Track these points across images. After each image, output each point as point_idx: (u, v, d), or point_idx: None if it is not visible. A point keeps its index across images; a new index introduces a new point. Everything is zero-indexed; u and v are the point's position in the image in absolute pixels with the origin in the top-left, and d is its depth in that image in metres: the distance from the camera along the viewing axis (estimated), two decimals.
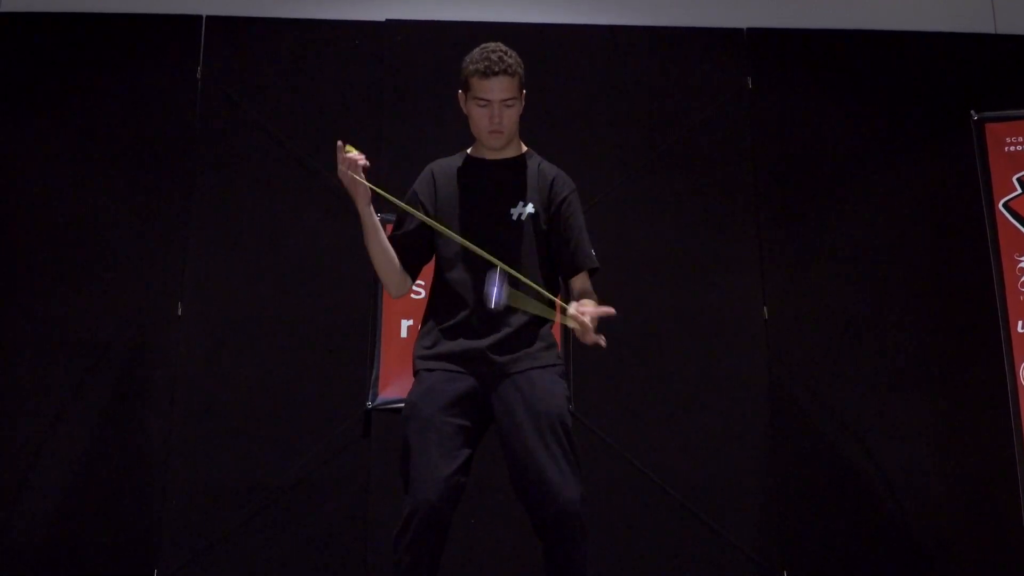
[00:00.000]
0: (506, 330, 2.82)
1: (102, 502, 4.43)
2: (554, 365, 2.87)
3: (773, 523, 4.50)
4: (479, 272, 2.80)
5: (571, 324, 2.69)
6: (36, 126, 4.77)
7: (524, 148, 3.06)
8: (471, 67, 2.90)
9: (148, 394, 4.55)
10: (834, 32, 5.07)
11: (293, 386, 4.56)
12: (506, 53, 2.92)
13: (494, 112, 2.91)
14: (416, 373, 2.88)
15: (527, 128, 4.76)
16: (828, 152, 4.92)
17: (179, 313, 4.61)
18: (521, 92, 2.98)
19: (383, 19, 4.91)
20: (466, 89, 2.94)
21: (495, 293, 2.68)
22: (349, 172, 2.78)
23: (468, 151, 3.06)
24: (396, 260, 2.91)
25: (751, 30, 5.02)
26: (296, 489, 4.45)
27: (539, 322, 2.88)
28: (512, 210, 2.92)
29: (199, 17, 4.91)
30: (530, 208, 2.93)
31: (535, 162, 3.03)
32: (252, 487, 4.44)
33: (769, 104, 4.94)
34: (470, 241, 2.78)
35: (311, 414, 4.53)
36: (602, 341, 2.68)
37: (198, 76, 4.84)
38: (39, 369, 4.52)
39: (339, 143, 2.77)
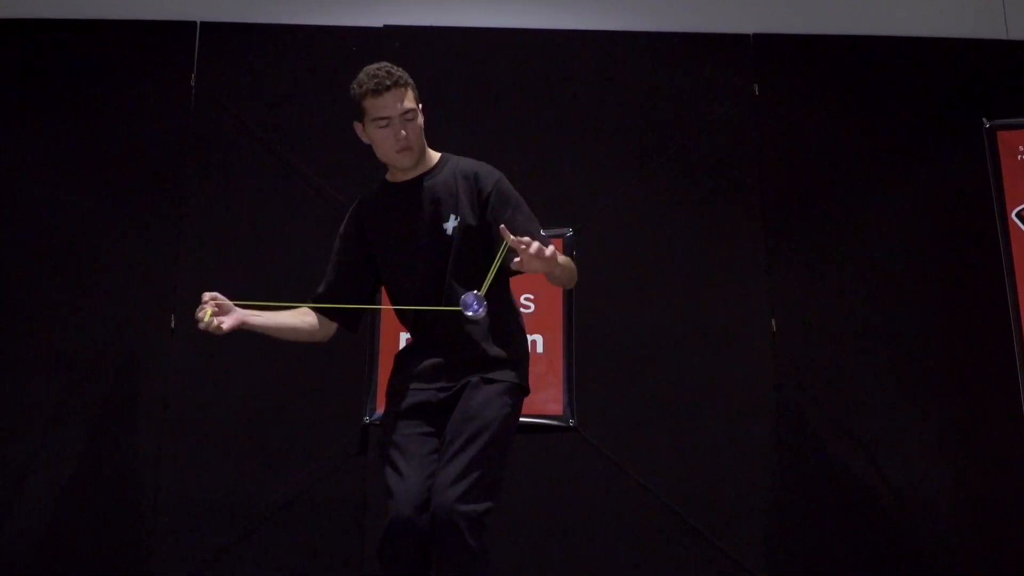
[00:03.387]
0: (460, 346, 2.82)
1: (93, 516, 4.36)
2: (501, 381, 2.81)
3: (779, 539, 4.43)
4: (428, 283, 2.83)
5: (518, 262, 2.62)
6: (27, 134, 4.71)
7: (436, 158, 2.97)
8: (360, 89, 2.82)
9: (140, 407, 4.48)
10: (842, 38, 5.01)
11: (288, 400, 4.50)
12: (392, 67, 2.84)
13: (397, 129, 2.82)
14: (389, 393, 2.92)
15: (534, 135, 4.79)
16: (837, 159, 4.85)
17: (172, 325, 4.53)
18: (418, 104, 2.88)
19: (380, 24, 4.86)
20: (361, 115, 2.85)
21: (474, 309, 2.70)
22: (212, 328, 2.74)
23: (386, 177, 3.00)
24: (294, 325, 2.99)
25: (758, 35, 4.96)
26: (291, 505, 4.39)
27: (495, 331, 2.85)
28: (444, 224, 2.86)
29: (193, 23, 4.86)
30: (456, 220, 2.86)
31: (452, 166, 2.95)
32: (246, 503, 4.38)
33: (776, 110, 4.88)
34: (407, 267, 2.83)
35: (307, 429, 4.47)
36: (545, 252, 2.59)
37: (192, 83, 4.78)
38: (30, 381, 4.47)
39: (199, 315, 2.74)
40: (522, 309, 4.56)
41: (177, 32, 4.84)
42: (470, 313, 2.69)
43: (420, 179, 2.92)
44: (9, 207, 4.64)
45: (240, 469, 4.41)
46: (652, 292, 4.66)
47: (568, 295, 4.60)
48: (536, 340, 4.57)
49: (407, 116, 2.82)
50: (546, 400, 4.51)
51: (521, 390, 2.88)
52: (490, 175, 2.92)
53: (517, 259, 2.59)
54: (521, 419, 4.31)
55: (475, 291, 2.70)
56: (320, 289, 3.03)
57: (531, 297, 4.58)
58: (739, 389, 4.57)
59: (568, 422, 4.49)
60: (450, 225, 2.85)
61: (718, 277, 4.70)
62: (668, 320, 4.64)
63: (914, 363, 4.62)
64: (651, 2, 5.09)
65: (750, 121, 4.85)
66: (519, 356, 2.90)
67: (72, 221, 4.64)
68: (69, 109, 4.76)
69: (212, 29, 4.86)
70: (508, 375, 2.83)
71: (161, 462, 4.41)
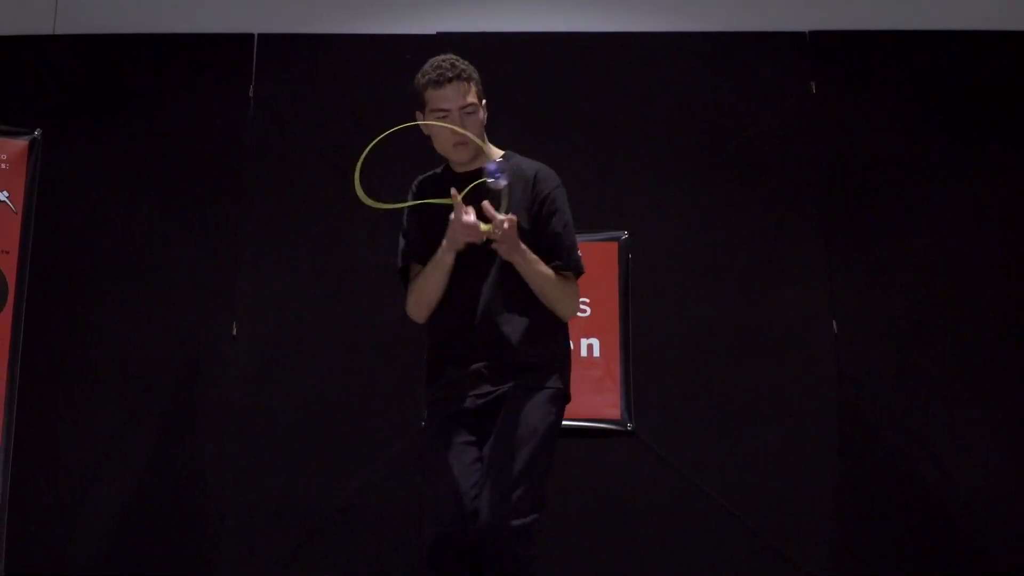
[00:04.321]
0: (499, 351, 2.74)
1: (159, 522, 4.46)
2: (544, 388, 2.75)
3: (842, 544, 4.36)
4: (466, 287, 2.76)
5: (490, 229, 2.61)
6: (90, 147, 4.83)
7: (500, 153, 2.92)
8: (423, 80, 2.80)
9: (203, 415, 4.57)
10: (902, 33, 4.91)
11: (348, 406, 4.54)
12: (458, 60, 2.80)
13: (455, 122, 2.77)
14: (427, 407, 2.86)
15: (589, 138, 4.78)
16: (897, 159, 4.76)
17: (234, 333, 4.61)
18: (481, 100, 2.84)
19: (434, 32, 4.88)
20: (422, 106, 2.83)
21: (496, 175, 2.62)
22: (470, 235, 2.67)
23: (448, 164, 2.96)
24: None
25: (814, 33, 4.89)
26: (352, 510, 4.43)
27: (536, 336, 2.78)
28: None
29: (251, 36, 4.93)
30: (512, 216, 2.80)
31: (514, 162, 2.88)
32: (308, 508, 4.43)
33: (834, 109, 4.80)
34: (461, 262, 2.74)
35: (367, 434, 4.51)
36: (505, 225, 2.59)
37: (250, 94, 4.85)
38: (95, 391, 4.57)
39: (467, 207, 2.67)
40: (578, 313, 4.58)
41: (235, 45, 4.92)
42: (491, 180, 2.60)
43: (478, 172, 2.86)
44: (74, 219, 4.75)
45: (301, 474, 4.47)
46: (710, 294, 4.62)
47: (625, 298, 4.58)
48: (593, 344, 4.56)
49: (467, 110, 2.78)
50: (603, 404, 4.49)
51: (564, 397, 2.82)
52: (549, 179, 2.86)
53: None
54: (578, 423, 4.39)
55: (498, 159, 2.66)
56: (408, 251, 2.94)
57: (587, 301, 4.57)
58: (800, 392, 4.51)
59: (626, 426, 4.47)
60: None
61: (778, 279, 4.64)
62: (727, 322, 4.59)
63: (978, 363, 4.52)
64: (704, 2, 5.05)
65: (807, 120, 4.78)
66: (560, 359, 2.83)
67: (135, 232, 4.74)
68: (131, 122, 4.87)
69: (269, 41, 4.93)
70: (551, 380, 2.76)
71: (224, 468, 4.49)
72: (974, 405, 4.48)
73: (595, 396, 4.50)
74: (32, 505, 4.38)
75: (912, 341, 4.56)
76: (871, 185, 4.75)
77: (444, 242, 2.70)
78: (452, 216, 2.65)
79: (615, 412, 4.49)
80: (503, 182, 2.61)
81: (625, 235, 4.64)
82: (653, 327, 4.58)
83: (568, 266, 2.79)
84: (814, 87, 4.82)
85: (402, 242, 2.94)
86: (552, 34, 4.93)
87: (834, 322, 4.58)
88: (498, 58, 4.86)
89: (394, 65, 4.86)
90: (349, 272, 4.68)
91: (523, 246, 2.67)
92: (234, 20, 5.00)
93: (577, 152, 4.73)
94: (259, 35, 4.94)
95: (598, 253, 4.57)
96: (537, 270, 2.73)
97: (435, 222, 2.81)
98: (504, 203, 2.64)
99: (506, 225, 2.59)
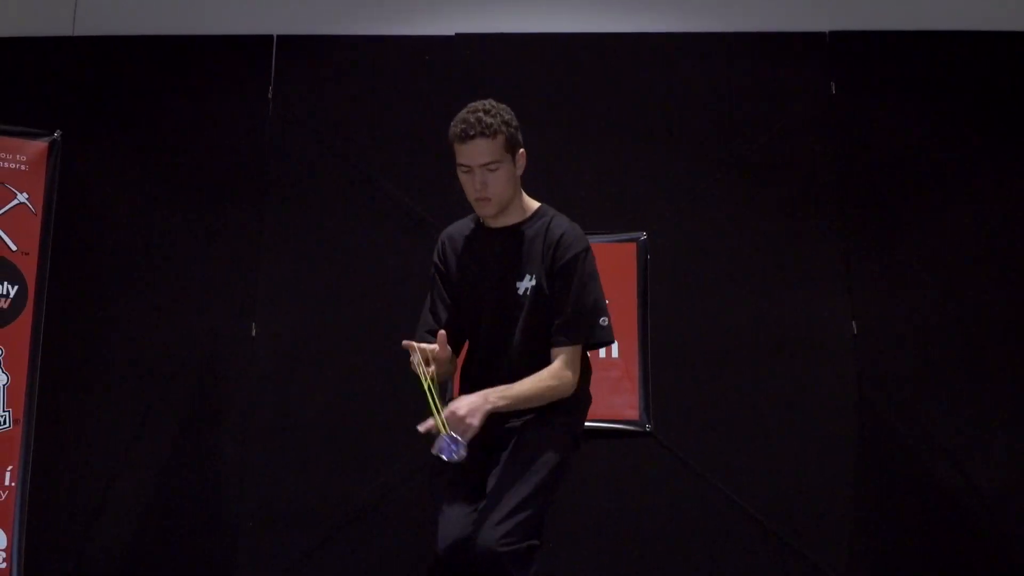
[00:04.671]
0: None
1: (178, 523, 4.47)
2: (561, 423, 2.75)
3: (863, 548, 4.34)
4: (496, 329, 2.77)
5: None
6: (109, 148, 4.84)
7: (532, 209, 2.85)
8: (451, 131, 2.73)
9: (223, 415, 4.58)
10: (922, 33, 4.88)
11: (367, 407, 4.55)
12: (486, 112, 2.70)
13: (475, 179, 2.72)
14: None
15: (608, 138, 4.77)
16: (918, 159, 4.73)
17: (253, 334, 4.62)
18: (510, 152, 2.74)
19: (452, 33, 4.87)
20: (453, 155, 2.78)
21: (448, 453, 2.56)
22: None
23: (478, 215, 2.90)
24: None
25: (834, 33, 4.87)
26: (372, 511, 4.44)
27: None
28: (519, 284, 2.76)
29: (270, 37, 4.94)
30: (532, 281, 2.76)
31: (543, 224, 2.82)
32: (326, 510, 4.44)
33: (855, 109, 4.78)
34: (480, 316, 2.76)
35: (385, 435, 4.50)
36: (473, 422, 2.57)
37: (269, 96, 4.86)
38: (114, 391, 4.59)
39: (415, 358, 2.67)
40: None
41: (254, 46, 4.93)
42: (444, 457, 2.55)
43: (505, 230, 2.84)
44: (93, 220, 4.76)
45: (319, 476, 4.47)
46: (729, 295, 4.61)
47: (643, 300, 4.56)
48: (612, 345, 4.54)
49: (489, 167, 2.70)
50: (622, 405, 4.48)
51: (576, 439, 2.80)
52: (573, 244, 2.76)
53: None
54: (597, 424, 4.37)
55: (451, 433, 2.55)
56: (434, 319, 2.89)
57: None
58: (820, 393, 4.49)
59: (644, 427, 4.46)
60: (524, 285, 2.76)
61: (797, 280, 4.62)
62: (745, 323, 4.58)
63: (997, 364, 4.50)
64: (724, 3, 5.03)
65: (827, 121, 4.76)
66: (579, 403, 2.82)
67: (154, 233, 4.76)
68: (151, 123, 4.88)
69: (288, 42, 4.94)
70: (566, 419, 2.77)
71: (243, 468, 4.50)
72: (993, 406, 4.46)
73: (613, 397, 4.49)
74: (51, 505, 4.40)
75: (932, 342, 4.53)
76: (891, 186, 4.72)
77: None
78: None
79: (633, 413, 4.48)
80: (456, 457, 2.55)
81: (644, 236, 4.62)
82: (671, 328, 4.56)
83: (576, 343, 2.75)
84: (834, 87, 4.80)
85: (434, 315, 2.89)
86: (570, 35, 4.92)
87: (854, 323, 4.55)
88: (517, 59, 4.86)
89: (413, 66, 4.89)
90: (367, 273, 4.68)
91: (490, 400, 2.60)
92: (253, 22, 5.01)
93: (596, 153, 4.72)
94: (278, 36, 4.94)
95: (616, 254, 4.56)
96: (518, 399, 2.67)
97: (460, 285, 2.85)
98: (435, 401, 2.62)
99: (459, 414, 2.55)
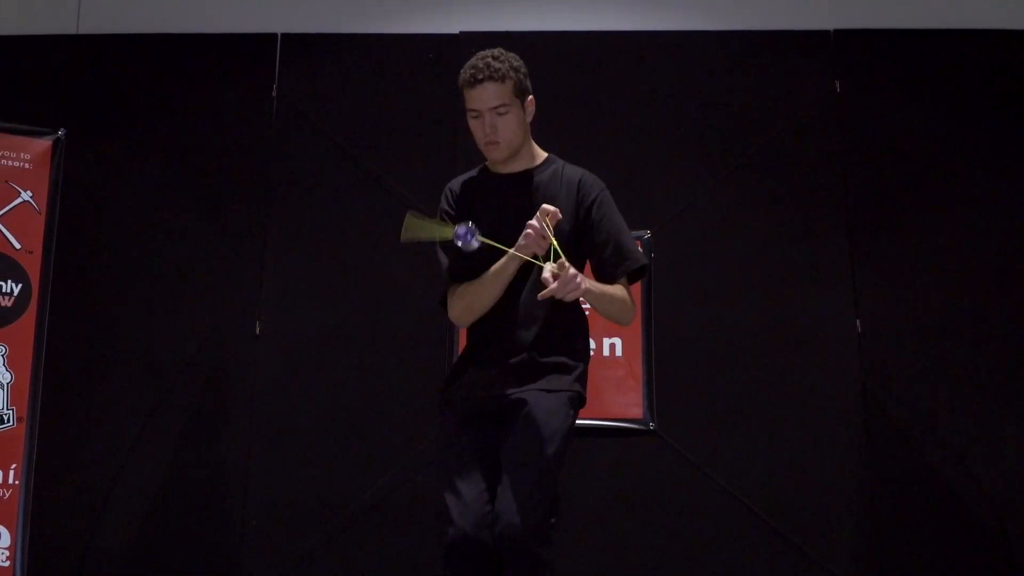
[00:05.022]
0: (524, 357, 2.73)
1: (183, 520, 4.47)
2: (564, 391, 2.74)
3: (868, 546, 4.34)
4: (507, 292, 2.74)
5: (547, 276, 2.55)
6: (113, 147, 4.84)
7: (541, 156, 2.89)
8: (460, 78, 2.77)
9: (227, 414, 4.58)
10: (927, 32, 4.88)
11: (372, 404, 4.55)
12: (495, 58, 2.74)
13: (486, 122, 2.75)
14: (440, 406, 2.84)
15: (612, 137, 4.76)
16: (923, 157, 4.73)
17: (257, 332, 4.61)
18: (519, 97, 2.78)
19: (456, 31, 4.87)
20: (463, 103, 2.81)
21: (466, 239, 2.58)
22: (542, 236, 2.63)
23: (487, 164, 2.93)
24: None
25: (839, 31, 4.87)
26: (376, 509, 4.43)
27: (566, 336, 2.78)
28: None
29: (274, 35, 4.94)
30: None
31: (555, 169, 2.86)
32: (333, 506, 4.43)
33: (859, 108, 4.78)
34: (495, 260, 2.70)
35: (390, 432, 4.51)
36: (570, 291, 2.52)
37: (274, 94, 4.86)
38: (119, 390, 4.58)
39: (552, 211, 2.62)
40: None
41: (259, 44, 4.93)
42: (459, 243, 2.57)
43: (521, 175, 2.86)
44: (97, 219, 4.76)
45: (325, 473, 4.47)
46: (733, 293, 4.61)
47: (647, 297, 4.56)
48: (615, 343, 4.55)
49: (498, 111, 2.74)
50: (626, 403, 4.48)
51: (581, 400, 2.80)
52: (595, 184, 2.85)
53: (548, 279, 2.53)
54: (601, 422, 4.38)
55: (469, 222, 2.59)
56: (453, 269, 2.84)
57: None
58: (824, 391, 4.49)
59: (648, 425, 4.46)
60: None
61: (801, 278, 4.62)
62: (750, 321, 4.57)
63: (1003, 360, 4.49)
64: (728, 1, 5.03)
65: (832, 119, 4.76)
66: (579, 360, 2.82)
67: (158, 231, 4.75)
68: (155, 122, 4.88)
69: (292, 40, 4.94)
70: (569, 384, 2.76)
71: (248, 466, 4.49)
72: (999, 403, 4.45)
73: (617, 395, 4.49)
74: (55, 504, 4.39)
75: (936, 339, 4.53)
76: (895, 183, 4.72)
77: (514, 250, 2.64)
78: (531, 224, 2.59)
79: (637, 411, 4.48)
80: (474, 244, 2.58)
81: (648, 234, 4.62)
82: (676, 326, 4.56)
83: (638, 265, 2.79)
84: (839, 86, 4.80)
85: (445, 260, 2.85)
86: (574, 33, 4.92)
87: (858, 320, 4.55)
88: (521, 57, 4.84)
89: (417, 64, 4.88)
90: (372, 271, 4.68)
91: (586, 283, 2.60)
92: (257, 20, 5.01)
93: (600, 151, 4.71)
94: (282, 35, 4.94)
95: None
96: (602, 296, 2.70)
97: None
98: (555, 248, 2.59)
99: (571, 274, 2.52)
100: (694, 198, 4.70)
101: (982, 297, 4.57)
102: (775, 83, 4.82)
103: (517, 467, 2.59)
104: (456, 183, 2.95)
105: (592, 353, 4.39)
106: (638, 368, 4.52)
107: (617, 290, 2.75)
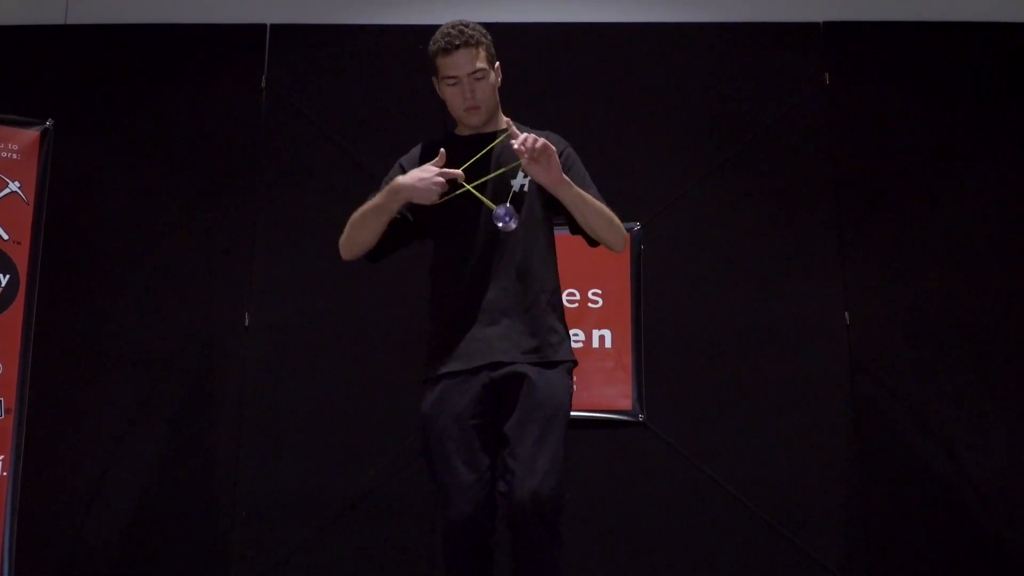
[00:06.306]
0: (507, 321, 2.75)
1: (172, 514, 4.46)
2: (562, 362, 2.79)
3: (857, 538, 4.35)
4: (476, 251, 2.79)
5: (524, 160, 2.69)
6: (102, 137, 4.83)
7: (504, 120, 2.96)
8: (433, 47, 2.86)
9: (216, 405, 4.57)
10: (917, 24, 4.89)
11: (362, 395, 4.54)
12: (467, 26, 2.87)
13: (465, 88, 2.84)
14: (424, 381, 2.83)
15: (602, 129, 4.76)
16: (912, 150, 4.74)
17: (246, 323, 4.61)
18: (492, 63, 2.92)
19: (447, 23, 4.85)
20: (436, 72, 2.89)
21: (505, 220, 2.69)
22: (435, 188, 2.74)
23: (453, 130, 3.03)
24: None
25: (828, 23, 4.87)
26: (366, 501, 4.43)
27: (544, 308, 2.80)
28: (512, 181, 2.86)
29: (263, 25, 4.92)
30: (527, 178, 2.86)
31: (522, 128, 2.93)
32: (322, 498, 4.43)
33: (848, 100, 4.78)
34: (479, 218, 2.78)
35: (380, 424, 4.50)
36: (537, 144, 2.66)
37: (263, 84, 4.84)
38: (107, 382, 4.57)
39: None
40: (590, 304, 4.58)
41: (247, 35, 4.91)
42: (500, 225, 2.69)
43: (489, 134, 2.93)
44: (85, 209, 4.75)
45: (314, 465, 4.46)
46: (723, 285, 4.61)
47: (636, 289, 4.56)
48: (605, 335, 4.55)
49: (476, 76, 2.84)
50: (615, 395, 4.49)
51: (574, 364, 2.86)
52: (560, 140, 2.95)
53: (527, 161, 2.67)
54: (590, 414, 4.39)
55: (506, 204, 2.72)
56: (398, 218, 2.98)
57: (599, 292, 4.57)
58: (813, 383, 4.50)
59: (637, 417, 4.46)
60: (519, 183, 2.86)
61: (790, 270, 4.63)
62: (739, 313, 4.58)
63: (991, 354, 4.50)
64: None
65: (821, 111, 4.77)
66: (565, 327, 2.88)
67: (147, 222, 4.74)
68: (143, 112, 4.86)
69: (281, 31, 4.92)
70: (563, 353, 2.80)
71: (237, 458, 4.48)
72: (988, 396, 4.47)
73: (607, 387, 4.49)
74: (43, 496, 4.38)
75: (925, 333, 4.54)
76: (884, 176, 4.72)
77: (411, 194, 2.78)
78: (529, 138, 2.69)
79: (627, 403, 4.48)
80: (513, 225, 2.69)
81: (637, 226, 4.62)
82: (665, 318, 4.57)
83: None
84: (828, 78, 4.80)
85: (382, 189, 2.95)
86: (565, 24, 4.91)
87: (847, 313, 4.56)
88: (511, 48, 4.81)
89: (407, 55, 4.86)
90: (361, 262, 4.66)
91: (565, 178, 2.72)
92: (246, 10, 4.99)
93: (589, 142, 4.65)
94: (271, 25, 4.92)
95: None
96: (584, 195, 2.79)
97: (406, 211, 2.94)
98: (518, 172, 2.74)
99: (537, 144, 2.64)
100: (683, 190, 4.70)
101: (971, 290, 4.58)
102: (764, 75, 4.82)
103: (529, 444, 2.61)
104: (414, 153, 3.00)
105: (581, 345, 4.48)
106: (627, 360, 4.53)
107: (600, 203, 2.84)
